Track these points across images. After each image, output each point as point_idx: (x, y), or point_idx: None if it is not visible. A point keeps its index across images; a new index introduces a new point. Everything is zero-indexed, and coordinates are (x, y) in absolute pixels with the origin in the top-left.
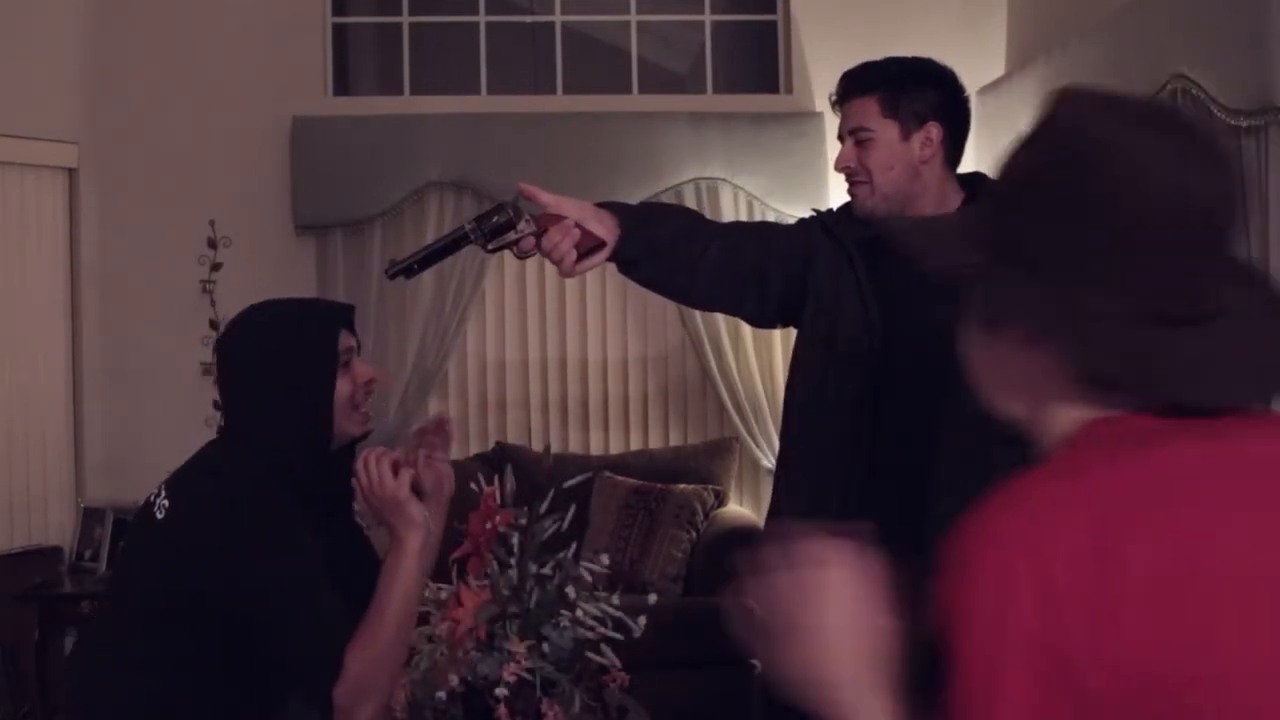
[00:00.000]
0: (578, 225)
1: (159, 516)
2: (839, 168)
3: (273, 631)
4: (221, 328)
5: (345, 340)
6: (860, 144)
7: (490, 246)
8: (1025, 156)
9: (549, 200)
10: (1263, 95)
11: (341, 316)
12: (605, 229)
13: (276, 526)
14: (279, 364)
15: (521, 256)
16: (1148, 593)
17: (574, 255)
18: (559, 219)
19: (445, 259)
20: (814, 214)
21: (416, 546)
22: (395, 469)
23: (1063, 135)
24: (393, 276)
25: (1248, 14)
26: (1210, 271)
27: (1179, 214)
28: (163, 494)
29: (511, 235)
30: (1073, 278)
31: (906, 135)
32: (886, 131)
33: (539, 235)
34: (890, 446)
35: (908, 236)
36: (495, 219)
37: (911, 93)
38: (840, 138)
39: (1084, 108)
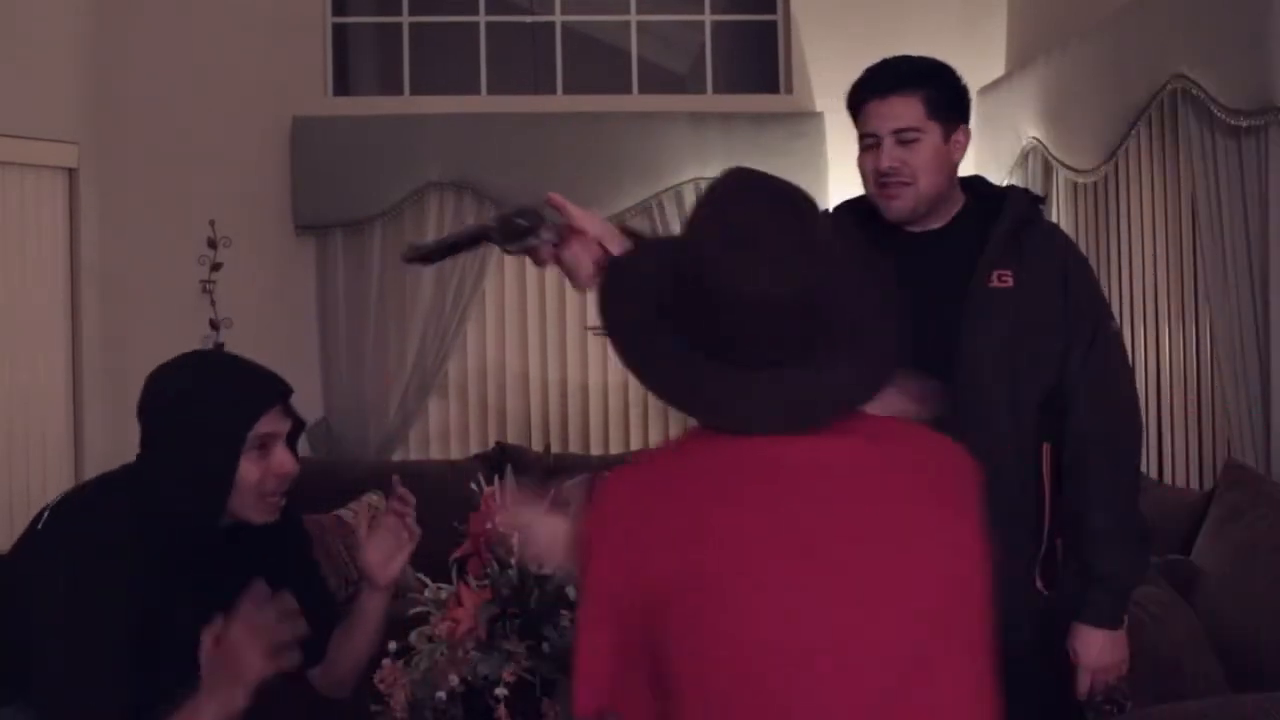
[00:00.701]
0: (598, 242)
1: (38, 528)
2: (883, 168)
3: (33, 667)
4: (148, 383)
5: (271, 424)
6: (905, 144)
7: (510, 248)
8: (663, 262)
9: (576, 214)
10: (1263, 95)
11: (273, 397)
12: (621, 250)
13: (98, 574)
14: (187, 427)
15: (538, 264)
16: (665, 534)
17: (592, 270)
18: (581, 233)
19: (462, 253)
20: None
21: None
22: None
23: (684, 250)
24: (409, 261)
25: (1248, 14)
26: (764, 337)
27: (742, 308)
28: (46, 514)
29: (532, 240)
30: (663, 334)
31: (946, 137)
32: (932, 133)
33: (558, 245)
34: None
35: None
36: (519, 221)
37: (951, 94)
38: (871, 135)
39: (701, 233)
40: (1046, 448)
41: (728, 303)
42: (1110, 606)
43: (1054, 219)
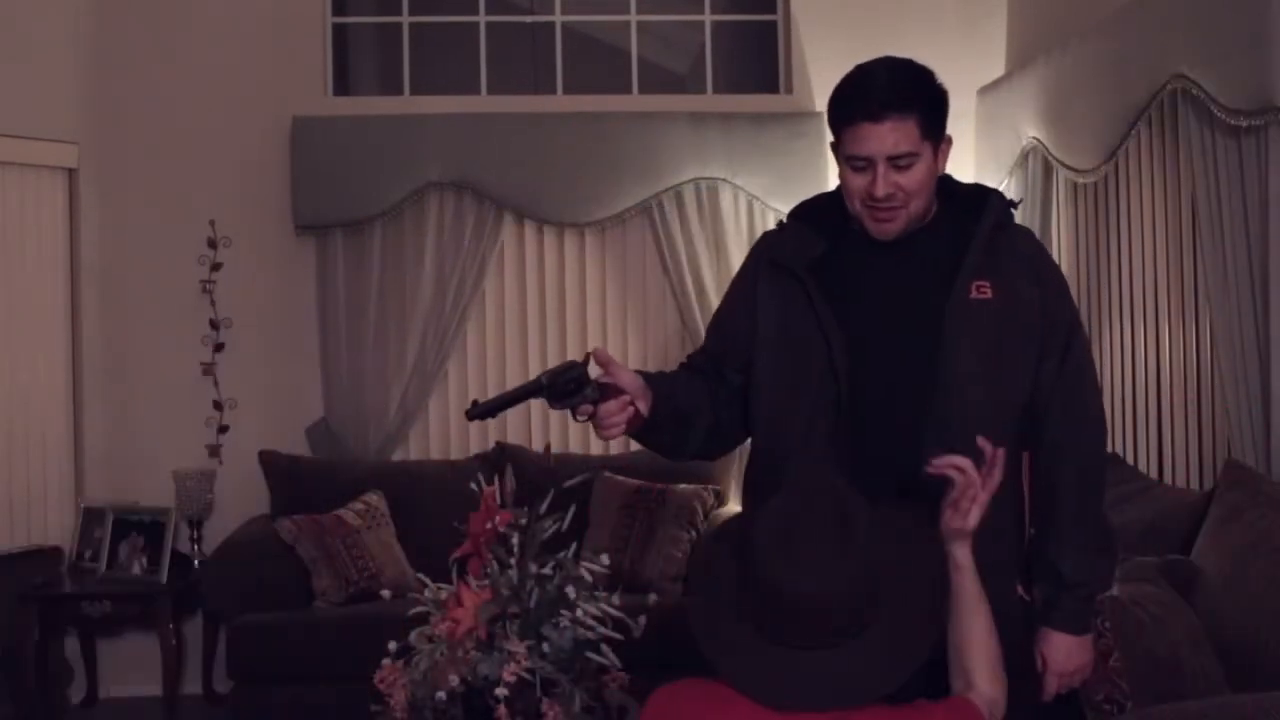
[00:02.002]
0: (631, 400)
1: None
2: (879, 195)
3: None
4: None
5: None
6: (900, 169)
7: (556, 405)
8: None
9: (617, 372)
10: (1263, 95)
11: None
12: (646, 409)
13: None
14: None
15: (578, 418)
16: None
17: (623, 428)
18: (619, 391)
19: (518, 405)
20: (758, 249)
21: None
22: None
23: (746, 538)
24: (472, 419)
25: (1248, 14)
26: (803, 628)
27: (788, 603)
28: None
29: (577, 398)
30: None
31: (935, 153)
32: (926, 153)
33: (598, 402)
34: (866, 460)
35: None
36: (568, 377)
37: (940, 108)
38: (861, 159)
39: (763, 531)
40: (1026, 456)
41: (774, 595)
42: (1077, 612)
43: (1054, 219)
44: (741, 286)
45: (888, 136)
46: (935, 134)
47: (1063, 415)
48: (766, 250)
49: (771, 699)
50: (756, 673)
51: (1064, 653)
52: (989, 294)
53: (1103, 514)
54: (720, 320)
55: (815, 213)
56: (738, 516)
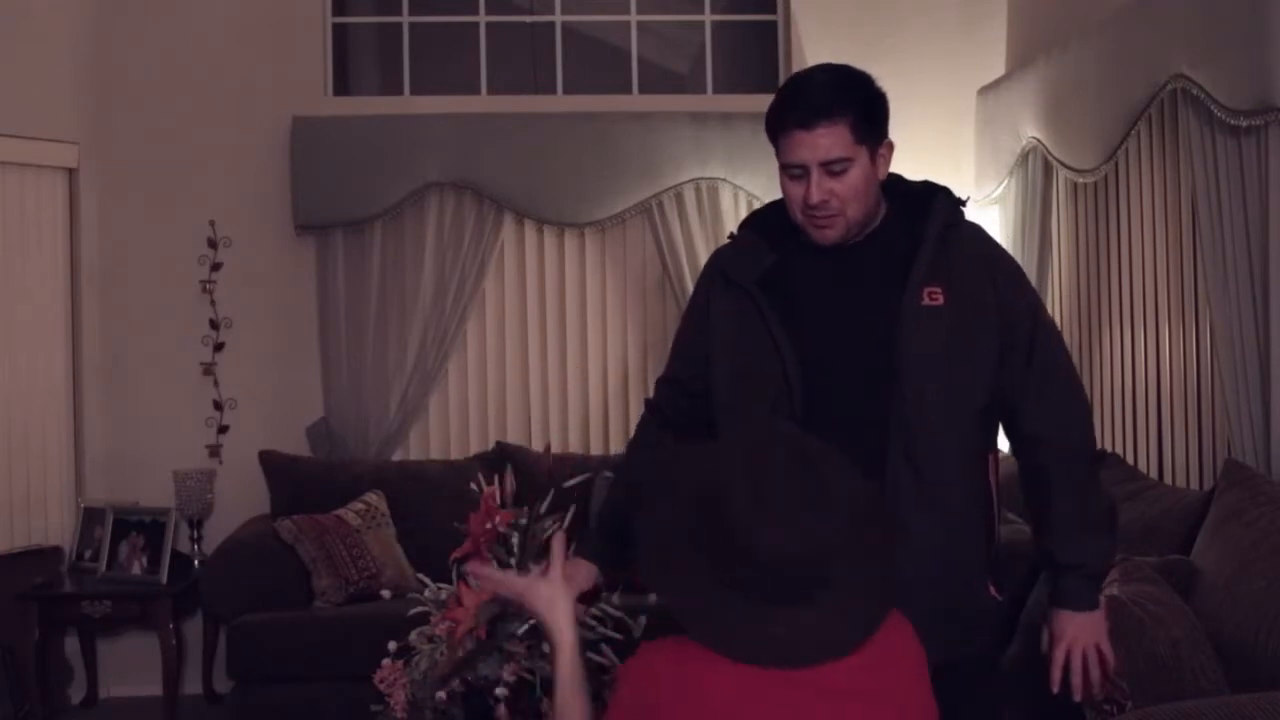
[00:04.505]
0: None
1: None
2: (813, 202)
3: None
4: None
5: None
6: (833, 175)
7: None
8: (690, 492)
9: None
10: (1263, 95)
11: None
12: (589, 581)
13: None
14: None
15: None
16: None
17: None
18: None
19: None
20: (711, 264)
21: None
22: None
23: (710, 491)
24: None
25: (1248, 14)
26: (772, 583)
27: (757, 558)
28: None
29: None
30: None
31: (873, 157)
32: (861, 158)
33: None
34: None
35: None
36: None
37: (875, 111)
38: (795, 166)
39: (727, 482)
40: (992, 457)
41: (743, 551)
42: (1079, 591)
43: (1054, 219)
44: (696, 306)
45: (819, 142)
46: (872, 138)
47: (1039, 408)
48: (719, 265)
49: (749, 656)
50: (729, 631)
51: (1075, 624)
52: (941, 299)
53: (1095, 493)
54: (680, 346)
55: (765, 222)
56: (674, 469)
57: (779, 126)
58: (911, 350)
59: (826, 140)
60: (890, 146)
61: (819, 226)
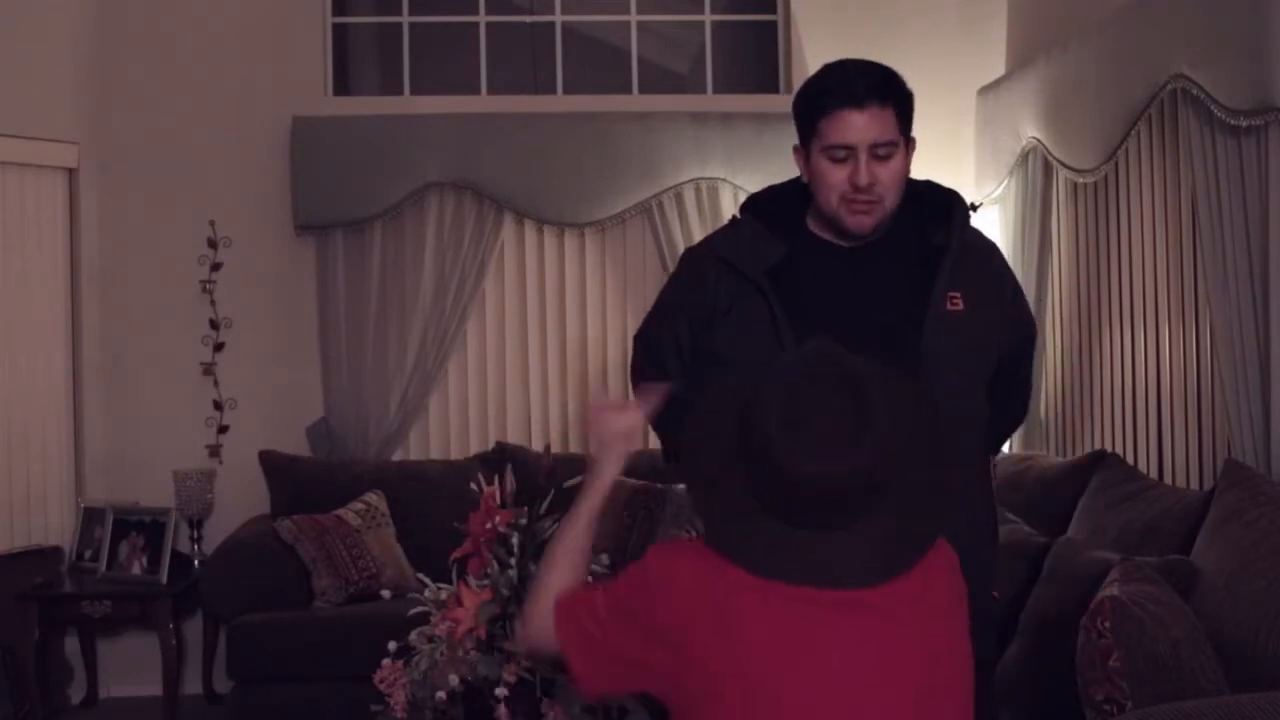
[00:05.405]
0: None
1: None
2: (862, 184)
3: None
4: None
5: None
6: (880, 160)
7: None
8: (732, 419)
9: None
10: (1263, 95)
11: None
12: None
13: None
14: None
15: None
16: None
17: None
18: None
19: None
20: (709, 251)
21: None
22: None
23: (751, 417)
24: None
25: (1248, 14)
26: (816, 508)
27: (800, 484)
28: None
29: None
30: (731, 489)
31: (908, 150)
32: (902, 148)
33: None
34: None
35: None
36: None
37: (911, 105)
38: (841, 148)
39: (769, 408)
40: (992, 459)
41: (788, 477)
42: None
43: (1054, 219)
44: (694, 297)
45: (871, 123)
46: (908, 131)
47: (1008, 405)
48: (718, 252)
49: (780, 574)
50: (775, 558)
51: None
52: (961, 305)
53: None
54: (665, 340)
55: (772, 210)
56: (724, 393)
57: (823, 108)
58: (939, 359)
59: (879, 122)
60: (914, 145)
61: (859, 212)
